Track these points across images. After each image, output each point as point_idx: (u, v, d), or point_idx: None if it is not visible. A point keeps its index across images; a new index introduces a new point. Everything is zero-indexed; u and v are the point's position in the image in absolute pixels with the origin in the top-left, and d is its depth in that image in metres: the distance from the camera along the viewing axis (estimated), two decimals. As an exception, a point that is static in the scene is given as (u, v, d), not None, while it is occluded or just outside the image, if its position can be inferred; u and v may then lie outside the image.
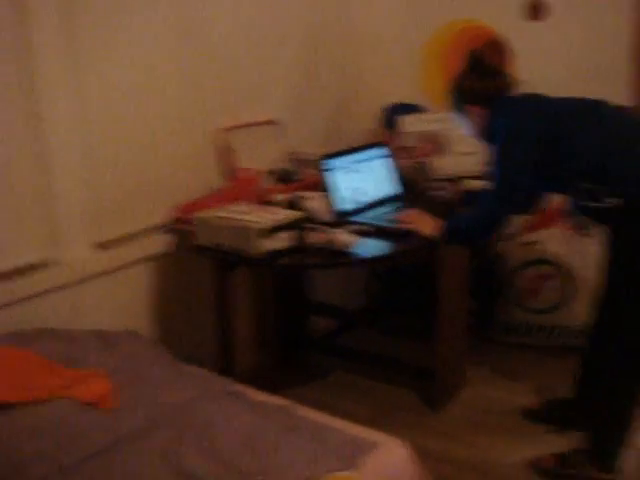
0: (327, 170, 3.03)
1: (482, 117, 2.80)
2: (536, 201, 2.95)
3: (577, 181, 2.62)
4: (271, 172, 3.32)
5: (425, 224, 2.83)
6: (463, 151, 3.54)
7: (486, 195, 2.77)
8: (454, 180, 3.45)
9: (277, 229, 2.62)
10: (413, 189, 3.40)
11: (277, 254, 2.64)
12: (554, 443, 2.99)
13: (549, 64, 3.79)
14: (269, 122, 3.51)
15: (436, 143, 3.60)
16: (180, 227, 2.99)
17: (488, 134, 2.79)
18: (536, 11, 3.88)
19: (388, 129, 3.78)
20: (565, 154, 2.63)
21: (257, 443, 2.05)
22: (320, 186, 3.18)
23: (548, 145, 2.63)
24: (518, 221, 3.86)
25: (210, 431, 2.11)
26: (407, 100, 3.96)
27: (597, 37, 3.71)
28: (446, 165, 3.55)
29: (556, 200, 3.65)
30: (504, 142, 2.69)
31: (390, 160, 3.37)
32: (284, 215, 2.70)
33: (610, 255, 2.71)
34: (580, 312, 3.65)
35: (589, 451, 2.79)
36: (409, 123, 3.53)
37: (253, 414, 2.22)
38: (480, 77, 2.81)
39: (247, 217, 2.66)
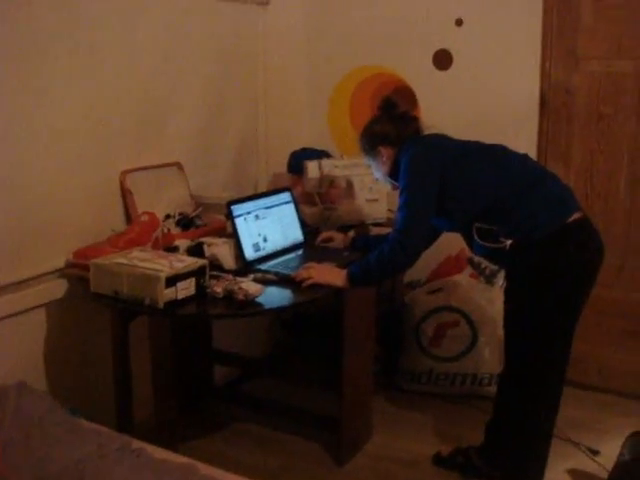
0: (232, 216, 2.96)
1: (391, 158, 2.87)
2: (437, 235, 3.00)
3: (475, 218, 2.69)
4: (174, 217, 3.23)
5: (330, 275, 2.79)
6: (368, 198, 3.53)
7: (392, 233, 2.78)
8: (347, 227, 3.46)
9: (179, 277, 2.52)
10: (317, 236, 3.36)
11: (178, 303, 2.54)
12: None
13: (454, 112, 3.84)
14: (173, 165, 3.42)
15: (342, 188, 3.58)
16: (77, 273, 2.86)
17: (395, 173, 2.84)
18: (443, 60, 3.93)
19: (295, 174, 3.74)
20: (465, 189, 2.70)
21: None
22: (225, 232, 3.12)
23: (447, 181, 2.69)
24: (424, 269, 3.88)
25: (104, 494, 1.99)
26: (315, 145, 3.94)
27: (504, 87, 3.79)
28: (351, 211, 3.53)
29: (459, 248, 3.69)
30: (407, 174, 2.74)
31: (295, 206, 3.32)
32: (186, 263, 2.60)
33: (506, 297, 2.74)
34: (485, 359, 3.68)
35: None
36: (315, 168, 3.49)
37: (152, 474, 2.10)
38: (392, 121, 2.90)
39: (147, 264, 2.55)
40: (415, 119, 2.98)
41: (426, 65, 3.98)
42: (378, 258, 2.73)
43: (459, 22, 3.88)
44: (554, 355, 2.67)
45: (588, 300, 2.69)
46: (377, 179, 3.07)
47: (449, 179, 2.70)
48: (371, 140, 2.92)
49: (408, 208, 2.70)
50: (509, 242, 2.59)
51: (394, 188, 2.94)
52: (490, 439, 3.02)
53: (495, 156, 2.77)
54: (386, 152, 2.88)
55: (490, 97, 3.85)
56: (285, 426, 3.48)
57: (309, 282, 2.73)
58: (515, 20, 3.75)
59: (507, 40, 3.78)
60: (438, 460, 3.19)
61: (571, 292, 2.63)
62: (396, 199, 2.78)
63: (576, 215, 2.60)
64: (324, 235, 3.29)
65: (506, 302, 2.75)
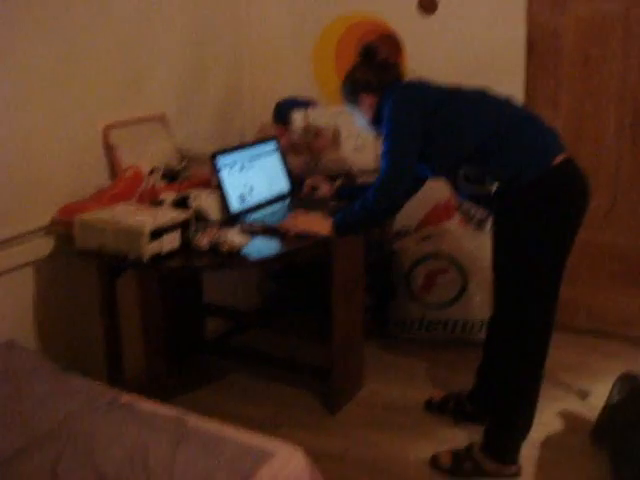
0: (217, 167, 2.94)
1: (373, 105, 2.85)
2: (422, 183, 2.97)
3: (459, 163, 2.66)
4: (158, 170, 3.19)
5: (315, 224, 2.79)
6: (355, 146, 3.51)
7: (376, 180, 2.76)
8: (334, 176, 3.42)
9: (164, 230, 2.51)
10: (304, 185, 3.34)
11: (164, 256, 2.53)
12: (454, 438, 3.00)
13: (441, 57, 3.80)
14: (156, 118, 3.38)
15: (328, 138, 3.55)
16: (62, 230, 2.84)
17: (378, 120, 2.83)
18: (428, 5, 3.87)
19: (280, 124, 3.71)
20: (447, 133, 2.68)
21: (145, 458, 1.94)
22: (210, 184, 3.09)
23: (431, 123, 2.68)
24: (412, 217, 3.87)
25: (93, 446, 2.00)
26: (300, 94, 3.90)
27: (490, 31, 3.74)
28: (338, 160, 3.50)
29: (448, 195, 3.68)
30: (390, 119, 2.72)
31: (281, 156, 3.29)
32: (171, 216, 2.59)
33: (494, 242, 2.73)
34: (475, 306, 3.69)
35: (487, 445, 2.80)
36: (301, 118, 3.46)
37: (141, 427, 2.11)
38: (372, 68, 2.87)
39: (131, 219, 2.53)
40: (396, 65, 2.96)
41: (411, 10, 3.92)
42: (362, 205, 2.73)
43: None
44: (542, 298, 2.67)
45: (576, 243, 2.68)
46: (361, 126, 3.04)
47: (431, 124, 2.67)
48: (353, 88, 2.89)
49: (391, 154, 2.69)
50: (495, 185, 2.57)
51: (378, 135, 2.93)
52: (480, 384, 3.05)
53: (477, 100, 2.74)
54: (368, 99, 2.85)
55: (476, 42, 3.80)
56: (276, 377, 3.50)
57: (294, 231, 2.72)
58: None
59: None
60: (430, 406, 3.22)
61: (558, 234, 2.62)
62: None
63: (560, 157, 2.58)
64: (309, 182, 3.27)
65: (494, 246, 2.74)
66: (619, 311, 3.83)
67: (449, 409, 3.16)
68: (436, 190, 3.68)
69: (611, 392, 3.00)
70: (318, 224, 2.79)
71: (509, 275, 2.68)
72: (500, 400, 2.83)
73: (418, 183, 2.94)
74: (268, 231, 2.78)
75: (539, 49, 3.70)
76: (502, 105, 2.73)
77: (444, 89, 2.79)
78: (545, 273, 2.64)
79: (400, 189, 2.71)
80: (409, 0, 3.91)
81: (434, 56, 3.84)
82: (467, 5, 3.79)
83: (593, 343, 3.79)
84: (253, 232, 2.73)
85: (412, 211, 3.81)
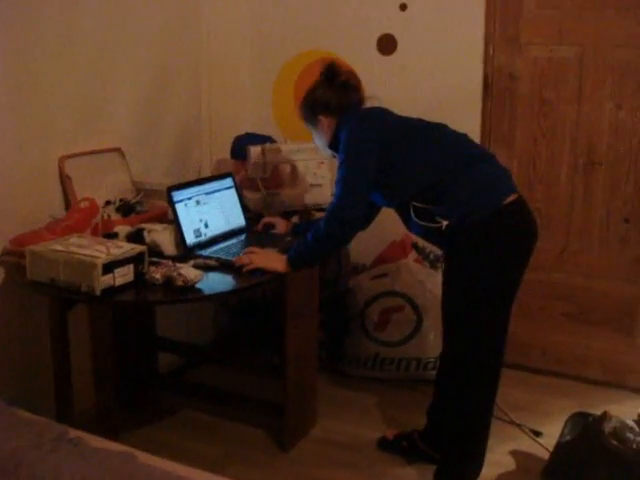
0: (173, 201, 2.92)
1: (332, 127, 2.83)
2: (377, 211, 2.98)
3: (410, 198, 2.68)
4: (114, 203, 3.17)
5: (271, 260, 2.77)
6: (312, 183, 3.52)
7: (328, 208, 2.75)
8: (290, 213, 3.43)
9: (117, 264, 2.48)
10: (260, 222, 3.33)
11: (117, 290, 2.50)
12: (406, 477, 3.00)
13: (399, 96, 3.82)
14: (113, 150, 3.35)
15: (285, 174, 3.55)
16: (13, 261, 2.79)
17: (335, 144, 2.82)
18: (387, 45, 3.93)
19: (238, 159, 3.70)
20: (401, 168, 2.68)
21: (91, 497, 1.90)
22: (166, 218, 3.07)
23: (385, 156, 2.67)
24: (368, 254, 3.89)
25: (38, 484, 1.94)
26: (259, 130, 3.90)
27: (448, 71, 3.80)
28: (295, 197, 3.50)
29: (404, 232, 3.70)
30: (346, 148, 2.70)
31: (237, 191, 3.29)
32: (124, 249, 2.55)
33: (444, 278, 2.75)
34: (430, 344, 3.69)
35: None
36: (259, 154, 3.46)
37: (88, 464, 2.06)
38: (333, 88, 2.84)
39: (84, 251, 2.50)
40: (357, 89, 2.91)
41: (370, 50, 3.98)
42: (314, 236, 2.70)
43: (403, 7, 3.88)
44: (490, 336, 2.69)
45: (529, 283, 2.72)
46: (319, 147, 3.03)
47: (387, 155, 2.67)
48: (312, 108, 2.86)
49: (345, 182, 2.67)
50: (445, 223, 2.59)
51: (334, 157, 2.92)
52: (431, 422, 3.04)
53: (434, 135, 2.75)
54: (326, 121, 2.83)
55: (434, 82, 3.86)
56: (230, 413, 3.46)
57: (250, 267, 2.70)
58: (458, 6, 3.76)
59: (451, 25, 3.79)
60: (383, 444, 3.20)
61: (506, 272, 2.65)
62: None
63: (511, 197, 2.61)
64: (265, 220, 3.26)
65: (444, 283, 2.75)
66: (573, 351, 3.86)
67: (402, 448, 3.14)
68: (392, 227, 3.69)
69: (563, 431, 3.02)
70: (273, 260, 2.77)
71: (458, 311, 2.70)
72: (450, 442, 2.83)
73: (372, 211, 2.94)
74: (223, 266, 2.76)
75: (495, 90, 3.76)
76: (458, 142, 2.76)
77: (403, 121, 2.80)
78: (493, 310, 2.66)
79: (352, 218, 2.67)
80: (369, 40, 3.97)
81: (393, 95, 3.86)
82: (425, 46, 3.85)
83: (546, 382, 3.81)
84: (208, 267, 2.71)
85: (368, 248, 3.85)
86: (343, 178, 2.67)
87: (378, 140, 2.68)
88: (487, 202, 2.59)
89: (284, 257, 2.76)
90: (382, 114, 2.82)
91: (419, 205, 2.65)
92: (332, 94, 2.83)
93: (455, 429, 2.79)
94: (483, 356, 2.69)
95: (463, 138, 2.78)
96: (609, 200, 3.68)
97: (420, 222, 2.67)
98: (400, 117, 2.82)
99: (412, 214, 2.68)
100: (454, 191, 2.61)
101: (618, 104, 3.56)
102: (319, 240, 2.71)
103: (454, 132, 2.78)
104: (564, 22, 3.57)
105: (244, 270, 2.70)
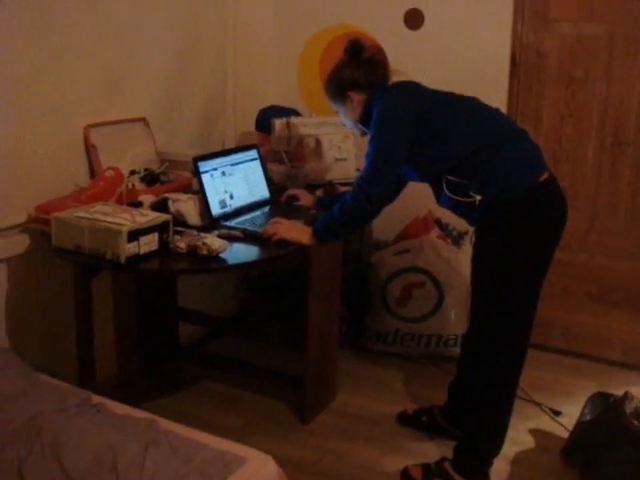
0: (198, 172, 2.92)
1: (361, 103, 2.79)
2: (404, 185, 2.95)
3: (444, 172, 2.65)
4: (139, 172, 3.18)
5: (296, 232, 2.77)
6: (337, 157, 3.51)
7: (356, 181, 2.71)
8: (314, 186, 3.42)
9: (142, 232, 2.49)
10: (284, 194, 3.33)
11: (142, 258, 2.50)
12: (426, 452, 3.00)
13: (426, 72, 3.79)
14: (138, 120, 3.35)
15: (310, 148, 3.54)
16: (39, 228, 2.81)
17: (366, 120, 2.78)
18: (414, 20, 3.90)
19: (262, 132, 3.70)
20: (437, 141, 2.65)
21: (114, 460, 1.92)
22: (190, 189, 3.08)
23: (419, 131, 2.63)
24: (391, 230, 3.88)
25: (62, 447, 1.96)
26: (283, 103, 3.89)
27: (476, 47, 3.76)
28: (319, 170, 3.50)
29: (427, 209, 3.69)
30: (380, 122, 2.67)
31: (262, 164, 3.28)
32: (149, 217, 2.56)
33: (474, 256, 2.73)
34: (451, 321, 3.69)
35: (457, 461, 2.79)
36: (283, 126, 3.45)
37: (111, 429, 2.09)
38: (360, 66, 2.80)
39: (109, 219, 2.51)
40: (383, 65, 2.87)
41: (397, 24, 3.94)
42: (341, 209, 2.69)
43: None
44: (519, 315, 2.67)
45: (553, 263, 2.69)
46: (347, 125, 2.99)
47: (422, 129, 2.64)
48: (339, 85, 2.82)
49: (376, 157, 2.64)
50: (478, 198, 2.57)
51: (363, 135, 2.89)
52: (452, 399, 3.04)
53: (469, 108, 2.72)
54: (357, 97, 2.78)
55: (461, 58, 3.82)
56: (250, 385, 3.48)
57: (275, 237, 2.70)
58: (487, -20, 3.72)
59: (478, 1, 3.75)
60: (403, 418, 3.21)
61: (539, 252, 2.63)
62: (364, 156, 2.73)
63: (545, 176, 2.59)
64: (290, 192, 3.25)
65: (474, 259, 2.73)
66: (594, 332, 3.84)
67: (422, 423, 3.15)
68: (415, 203, 3.68)
69: (583, 411, 3.01)
70: (299, 231, 2.77)
71: (488, 288, 2.68)
72: (472, 419, 2.82)
73: (400, 185, 2.92)
74: (247, 237, 2.76)
75: (523, 67, 3.73)
76: (493, 117, 2.73)
77: (437, 94, 2.76)
78: (524, 289, 2.64)
79: (380, 193, 2.65)
80: (396, 14, 3.93)
81: (419, 70, 3.83)
82: (453, 21, 3.82)
83: (567, 362, 3.80)
84: (232, 237, 2.71)
85: (390, 224, 3.83)
86: (373, 153, 2.65)
87: (416, 113, 2.64)
88: (523, 180, 2.56)
89: (309, 229, 2.76)
90: (416, 87, 2.79)
91: (453, 179, 2.62)
92: (360, 72, 2.78)
93: (477, 409, 2.78)
94: (511, 334, 2.67)
95: (498, 112, 2.75)
96: (635, 181, 3.64)
97: (453, 196, 2.64)
98: (432, 91, 2.78)
99: (445, 188, 2.66)
100: (491, 166, 2.57)
101: (648, 83, 3.52)
102: (346, 213, 2.69)
103: (488, 106, 2.75)
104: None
105: (270, 241, 2.70)
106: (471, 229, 2.95)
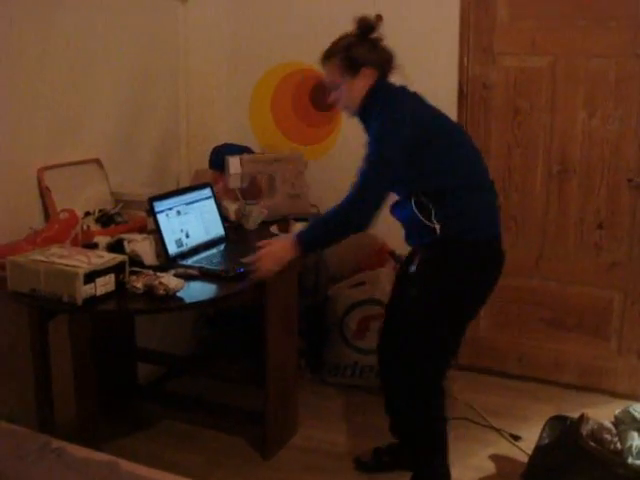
0: (154, 212, 2.93)
1: (371, 82, 2.71)
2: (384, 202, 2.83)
3: (420, 191, 2.64)
4: (93, 214, 3.18)
5: (277, 256, 2.69)
6: (290, 192, 3.55)
7: (348, 194, 2.62)
8: (269, 222, 3.46)
9: (98, 273, 2.49)
10: (239, 231, 3.35)
11: (98, 299, 2.50)
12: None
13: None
14: (92, 161, 3.36)
15: (264, 185, 3.58)
16: (-7, 272, 2.79)
17: (363, 112, 2.74)
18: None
19: (217, 170, 3.73)
20: (426, 164, 2.63)
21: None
22: (145, 229, 3.08)
23: (417, 150, 2.59)
24: (347, 263, 3.91)
25: (23, 494, 1.95)
26: (237, 141, 3.93)
27: (424, 81, 3.81)
28: (273, 207, 3.53)
29: (383, 242, 3.74)
30: (381, 136, 2.60)
31: (216, 202, 3.31)
32: (105, 259, 2.56)
33: (408, 279, 2.78)
34: (408, 351, 3.70)
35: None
36: (237, 164, 3.48)
37: (72, 473, 2.07)
38: (374, 46, 2.76)
39: (65, 261, 2.51)
40: (391, 54, 2.82)
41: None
42: (336, 211, 2.62)
43: (379, 18, 3.90)
44: (441, 347, 2.75)
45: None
46: (341, 108, 2.86)
47: (417, 151, 2.59)
48: (353, 60, 2.71)
49: (370, 176, 2.58)
50: (438, 227, 2.59)
51: (351, 115, 2.81)
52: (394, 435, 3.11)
53: (463, 142, 2.75)
54: (371, 73, 2.71)
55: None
56: (210, 422, 3.47)
57: (262, 275, 2.72)
58: (433, 17, 3.81)
59: (426, 36, 3.84)
60: (362, 466, 3.17)
61: (475, 295, 2.73)
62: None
63: (498, 231, 2.73)
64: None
65: (409, 283, 2.76)
66: (549, 356, 3.90)
67: (385, 464, 3.14)
68: (370, 237, 3.74)
69: (541, 435, 3.05)
70: (280, 255, 2.69)
71: (414, 319, 2.71)
72: (410, 447, 2.87)
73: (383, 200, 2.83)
74: (204, 275, 2.77)
75: (470, 100, 3.82)
76: (478, 159, 2.77)
77: (437, 117, 2.73)
78: (449, 328, 2.73)
79: (376, 202, 2.58)
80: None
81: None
82: (401, 56, 3.87)
83: (524, 387, 3.85)
84: (188, 276, 2.73)
85: (346, 257, 3.87)
86: (367, 172, 2.57)
87: (417, 135, 2.59)
88: (485, 229, 2.67)
89: (290, 241, 2.68)
90: (416, 106, 2.71)
91: (423, 200, 2.61)
92: (374, 52, 2.74)
93: (410, 437, 2.85)
94: (430, 362, 2.73)
95: (481, 157, 2.79)
96: (583, 207, 3.73)
97: (418, 213, 2.64)
98: (431, 109, 2.73)
99: (413, 204, 2.65)
100: (462, 204, 2.62)
101: (590, 113, 3.62)
102: (339, 216, 2.62)
103: (474, 144, 2.80)
104: (537, 33, 3.62)
105: (252, 277, 2.72)
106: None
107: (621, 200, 3.66)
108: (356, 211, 2.59)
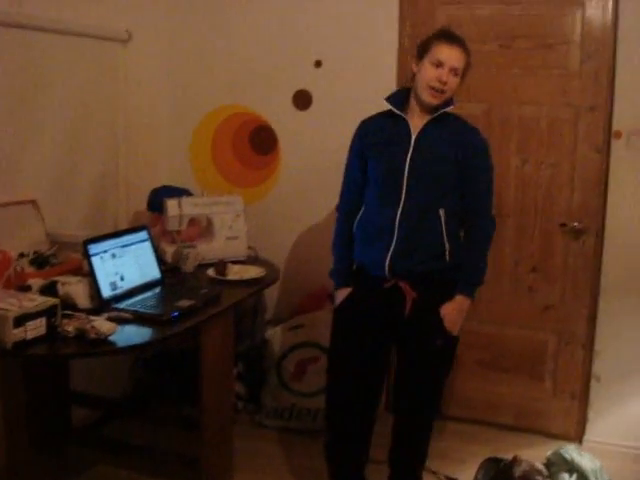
0: (88, 255, 2.91)
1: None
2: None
3: (450, 210, 2.84)
4: (28, 255, 3.15)
5: (461, 316, 2.93)
6: (228, 235, 3.56)
7: (484, 216, 2.95)
8: (206, 265, 3.46)
9: (29, 317, 2.46)
10: (176, 274, 3.35)
11: (29, 343, 2.47)
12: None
13: (314, 150, 3.94)
14: (27, 202, 3.33)
15: (201, 227, 3.59)
16: None
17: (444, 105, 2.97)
18: (303, 100, 4.02)
19: (155, 212, 3.72)
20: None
21: None
22: (81, 270, 3.06)
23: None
24: (285, 306, 3.92)
25: None
26: (176, 183, 3.93)
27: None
28: (210, 249, 3.53)
29: (321, 284, 3.75)
30: (490, 164, 2.95)
31: (153, 244, 3.29)
32: (36, 302, 2.54)
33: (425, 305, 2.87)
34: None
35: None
36: (175, 206, 3.49)
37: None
38: None
39: (-5, 304, 2.48)
40: None
41: (286, 105, 4.06)
42: (486, 238, 2.93)
43: (318, 64, 3.98)
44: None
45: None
46: (445, 94, 2.91)
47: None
48: (470, 59, 2.90)
49: (492, 192, 2.93)
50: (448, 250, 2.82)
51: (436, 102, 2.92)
52: None
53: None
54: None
55: (349, 136, 3.94)
56: (145, 468, 3.42)
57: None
58: (371, 62, 3.89)
59: (365, 81, 3.90)
60: None
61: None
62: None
63: None
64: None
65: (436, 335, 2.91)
66: (485, 398, 3.95)
67: None
68: (308, 279, 3.76)
69: (476, 477, 3.08)
70: (462, 313, 2.91)
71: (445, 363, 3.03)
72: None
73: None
74: (138, 319, 2.76)
75: (407, 146, 3.87)
76: None
77: None
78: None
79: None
80: (285, 95, 4.05)
81: (308, 150, 3.98)
82: (340, 100, 3.95)
83: (460, 429, 3.89)
84: (122, 320, 2.71)
85: (284, 300, 3.89)
86: (491, 196, 2.95)
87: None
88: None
89: (464, 301, 2.89)
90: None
91: (454, 223, 2.85)
92: None
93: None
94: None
95: None
96: (517, 251, 3.81)
97: (447, 220, 2.81)
98: None
99: (442, 215, 2.80)
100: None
101: (523, 159, 3.72)
102: (488, 246, 2.94)
103: None
104: (471, 80, 3.70)
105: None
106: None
107: (554, 244, 3.75)
108: (494, 226, 2.94)
